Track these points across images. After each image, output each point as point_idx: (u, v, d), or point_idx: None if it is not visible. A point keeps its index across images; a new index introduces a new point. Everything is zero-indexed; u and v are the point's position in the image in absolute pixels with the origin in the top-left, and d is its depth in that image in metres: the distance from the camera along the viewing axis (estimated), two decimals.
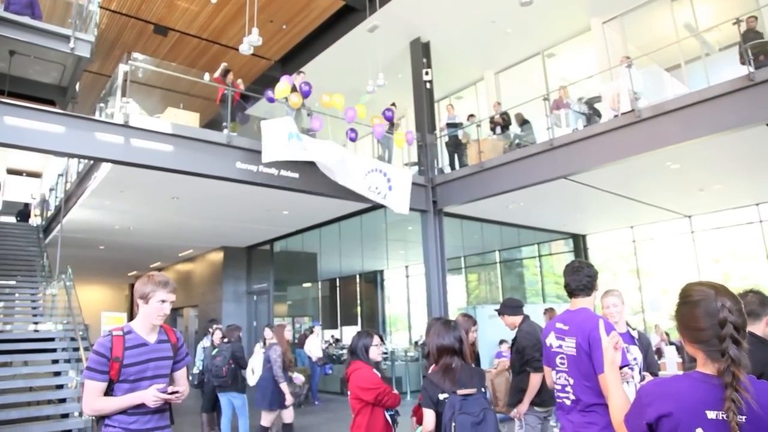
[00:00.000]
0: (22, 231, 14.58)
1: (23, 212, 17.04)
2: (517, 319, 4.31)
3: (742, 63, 7.59)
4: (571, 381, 2.62)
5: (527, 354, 4.06)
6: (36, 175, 21.62)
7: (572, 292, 2.78)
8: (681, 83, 9.63)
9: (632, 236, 15.12)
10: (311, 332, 12.14)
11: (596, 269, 2.81)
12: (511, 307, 4.37)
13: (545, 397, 4.05)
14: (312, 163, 8.88)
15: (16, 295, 10.85)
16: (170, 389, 2.56)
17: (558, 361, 2.71)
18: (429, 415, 2.82)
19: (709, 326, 1.49)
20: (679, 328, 1.60)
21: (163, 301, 2.64)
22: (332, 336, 16.83)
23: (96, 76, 13.72)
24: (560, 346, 2.70)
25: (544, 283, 16.66)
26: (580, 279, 2.75)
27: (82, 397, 2.59)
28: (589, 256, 16.12)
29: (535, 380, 3.99)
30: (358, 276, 19.65)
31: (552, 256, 16.89)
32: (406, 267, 18.97)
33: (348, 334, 18.49)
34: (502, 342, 9.97)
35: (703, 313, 1.51)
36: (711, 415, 1.44)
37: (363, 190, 9.31)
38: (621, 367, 2.49)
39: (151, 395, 2.51)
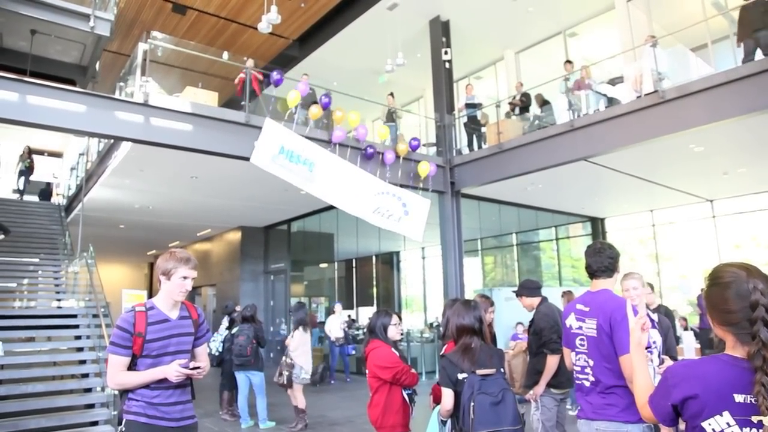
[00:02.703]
0: (45, 210, 14.81)
1: (45, 191, 17.30)
2: (535, 301, 4.29)
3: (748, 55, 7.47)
4: (591, 362, 2.61)
5: (544, 336, 4.05)
6: (57, 154, 21.85)
7: (594, 273, 2.75)
8: (707, 64, 9.41)
9: (652, 220, 14.93)
10: (333, 312, 12.25)
11: (618, 251, 2.78)
12: (529, 288, 4.35)
13: (562, 379, 4.04)
14: (330, 145, 8.88)
15: (40, 272, 11.05)
16: (192, 365, 2.59)
17: (578, 342, 2.69)
18: (447, 395, 2.82)
19: (739, 308, 1.46)
20: (708, 310, 1.57)
21: (185, 278, 2.66)
22: (348, 316, 16.94)
23: (115, 55, 13.77)
24: (580, 328, 2.68)
25: (561, 266, 16.56)
26: (602, 260, 2.72)
27: (107, 371, 2.64)
28: (607, 240, 15.89)
29: (551, 362, 3.97)
30: (374, 257, 19.71)
31: (569, 240, 16.76)
32: (423, 248, 18.97)
33: (364, 314, 18.62)
34: (518, 324, 9.98)
35: (734, 295, 1.47)
36: (739, 398, 1.42)
37: (367, 213, 9.02)
38: None
39: (173, 370, 2.55)
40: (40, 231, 12.89)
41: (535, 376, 4.04)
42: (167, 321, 2.66)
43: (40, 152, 22.09)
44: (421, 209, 9.72)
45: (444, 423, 2.95)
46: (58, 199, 16.58)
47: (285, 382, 6.92)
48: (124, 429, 2.56)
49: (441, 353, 3.40)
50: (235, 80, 9.69)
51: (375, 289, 19.94)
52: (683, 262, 14.44)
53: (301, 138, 8.51)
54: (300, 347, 7.00)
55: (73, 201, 14.11)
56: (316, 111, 8.81)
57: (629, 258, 15.83)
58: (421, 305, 19.23)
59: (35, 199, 16.46)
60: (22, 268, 10.87)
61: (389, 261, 19.93)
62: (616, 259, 2.74)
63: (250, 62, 9.71)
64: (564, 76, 10.24)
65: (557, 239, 16.61)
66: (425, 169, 10.00)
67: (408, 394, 3.55)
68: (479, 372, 2.77)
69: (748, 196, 12.94)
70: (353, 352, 12.17)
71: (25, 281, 10.74)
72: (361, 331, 15.13)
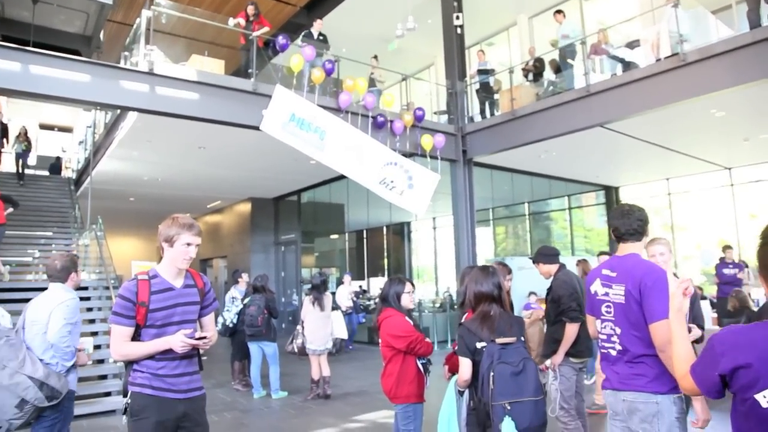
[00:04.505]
0: (55, 184, 14.80)
1: (55, 165, 17.27)
2: (553, 268, 4.13)
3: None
4: (618, 330, 2.46)
5: (563, 303, 3.91)
6: (67, 129, 21.82)
7: (621, 236, 2.58)
8: (728, 28, 9.01)
9: (667, 189, 14.65)
10: (342, 282, 12.22)
11: (646, 213, 2.61)
12: (546, 255, 4.19)
13: (581, 348, 3.92)
14: (340, 113, 8.71)
15: (53, 245, 11.06)
16: (198, 335, 2.49)
17: (603, 309, 2.55)
18: (465, 364, 2.70)
19: None
20: (760, 270, 1.42)
21: (188, 244, 2.53)
22: (360, 287, 16.94)
23: (120, 26, 13.51)
24: (606, 294, 2.53)
25: (574, 236, 16.39)
26: (631, 223, 2.55)
27: (111, 342, 2.54)
28: None
29: (571, 330, 3.84)
30: (385, 228, 19.63)
31: (581, 209, 16.56)
32: (434, 218, 18.84)
33: (375, 285, 18.62)
34: (530, 294, 9.86)
35: None
36: None
37: (373, 184, 8.90)
38: None
39: (178, 341, 2.44)
40: (50, 205, 12.91)
41: (553, 345, 3.92)
42: (171, 290, 2.55)
43: (50, 127, 22.07)
44: (428, 184, 9.55)
45: (461, 393, 2.83)
46: (67, 172, 16.53)
47: (294, 350, 6.91)
48: (129, 401, 2.47)
49: (460, 322, 3.28)
50: (232, 23, 9.22)
51: (386, 260, 19.91)
52: (699, 231, 14.20)
53: (313, 105, 8.34)
54: (306, 317, 6.93)
55: (82, 174, 14.05)
56: (318, 75, 8.59)
57: None
58: (432, 275, 19.18)
59: (45, 173, 16.45)
60: (33, 242, 10.89)
61: (400, 231, 19.84)
62: (646, 222, 2.57)
63: (250, 8, 9.35)
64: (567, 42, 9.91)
65: (570, 209, 16.39)
66: (428, 142, 9.78)
67: (422, 364, 3.45)
68: (499, 341, 2.64)
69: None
70: (363, 320, 12.24)
71: (37, 254, 10.76)
72: (372, 302, 15.14)
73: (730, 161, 12.79)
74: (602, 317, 2.55)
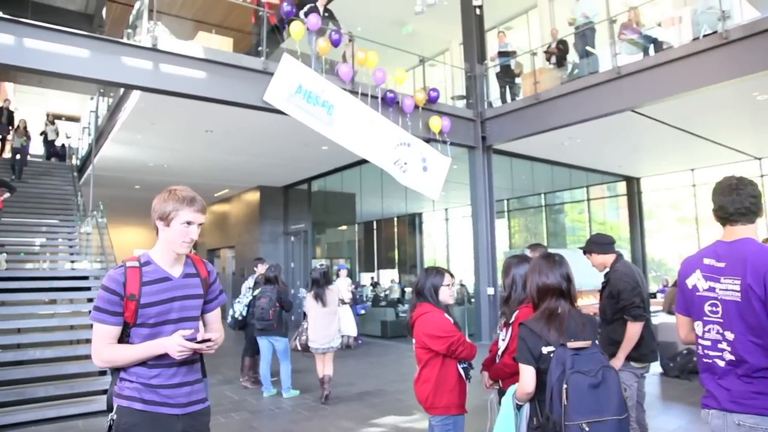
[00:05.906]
0: (59, 170, 14.40)
1: (60, 153, 16.88)
2: (609, 258, 3.60)
3: None
4: (730, 336, 1.94)
5: (624, 299, 3.37)
6: (75, 119, 21.54)
7: (729, 217, 2.05)
8: (755, 9, 8.42)
9: (692, 180, 14.08)
10: (337, 276, 11.71)
11: (759, 189, 2.09)
12: (601, 244, 3.65)
13: (645, 351, 3.39)
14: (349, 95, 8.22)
15: (58, 234, 10.67)
16: (200, 336, 1.95)
17: (707, 308, 2.03)
18: (528, 373, 2.19)
19: None
20: None
21: (188, 223, 2.01)
22: (371, 278, 16.48)
23: (124, 7, 12.98)
24: (712, 289, 2.02)
25: (592, 229, 15.85)
26: (742, 200, 2.02)
27: (92, 344, 2.03)
28: (642, 201, 15.24)
29: (633, 330, 3.32)
30: (396, 218, 19.15)
31: (597, 201, 16.05)
32: (446, 210, 18.34)
33: (385, 277, 18.14)
34: None
35: None
36: None
37: (387, 164, 8.50)
38: None
39: (175, 344, 1.91)
40: (54, 192, 12.51)
41: (612, 348, 3.37)
42: (168, 280, 2.03)
43: (58, 117, 21.76)
44: (441, 167, 9.18)
45: (519, 408, 2.33)
46: (71, 160, 16.14)
47: (298, 348, 6.39)
48: (114, 417, 1.96)
49: (507, 321, 2.78)
50: None
51: (397, 252, 19.43)
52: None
53: (321, 78, 7.89)
54: (309, 312, 6.34)
55: (86, 161, 13.61)
56: (324, 45, 8.10)
57: (658, 222, 15.22)
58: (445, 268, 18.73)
59: (49, 160, 16.06)
60: (35, 229, 10.48)
61: (412, 222, 19.37)
62: (759, 199, 2.05)
63: None
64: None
65: (589, 200, 15.85)
66: (436, 124, 9.32)
67: (463, 368, 2.95)
68: (570, 345, 2.14)
69: None
70: (362, 312, 11.86)
71: (38, 242, 10.35)
72: (383, 294, 14.68)
73: (760, 151, 12.21)
74: (705, 318, 2.04)
